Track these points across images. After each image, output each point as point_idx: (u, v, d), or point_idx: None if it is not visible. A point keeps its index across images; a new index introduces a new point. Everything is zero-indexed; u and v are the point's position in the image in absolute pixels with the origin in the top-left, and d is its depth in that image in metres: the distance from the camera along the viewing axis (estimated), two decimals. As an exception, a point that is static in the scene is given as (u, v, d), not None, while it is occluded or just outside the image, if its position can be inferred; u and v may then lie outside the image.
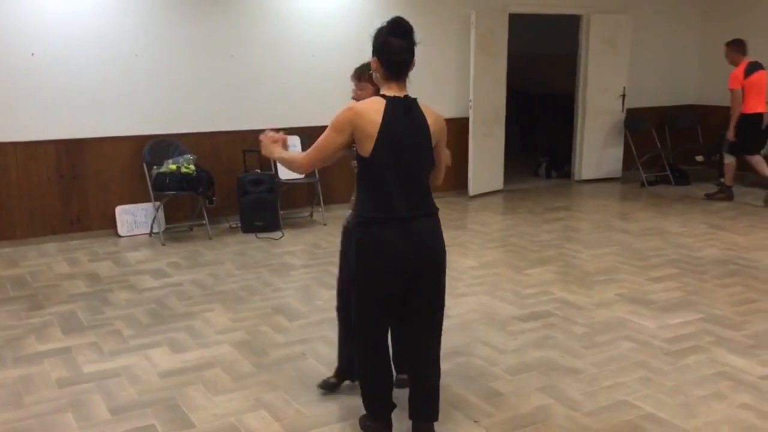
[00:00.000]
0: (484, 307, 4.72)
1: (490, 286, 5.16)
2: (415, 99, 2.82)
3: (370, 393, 3.06)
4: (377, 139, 2.70)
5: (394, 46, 2.74)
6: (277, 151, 3.06)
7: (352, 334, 3.13)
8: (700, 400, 3.44)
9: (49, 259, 5.95)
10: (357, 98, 3.13)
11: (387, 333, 3.00)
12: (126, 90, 6.54)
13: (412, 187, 2.79)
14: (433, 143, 2.83)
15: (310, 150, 2.87)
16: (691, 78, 9.97)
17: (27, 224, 6.32)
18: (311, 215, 7.41)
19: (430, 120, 2.82)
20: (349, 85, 3.30)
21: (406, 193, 2.77)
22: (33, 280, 5.39)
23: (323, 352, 4.02)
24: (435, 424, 3.00)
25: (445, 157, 2.99)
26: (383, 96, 2.77)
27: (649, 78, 9.44)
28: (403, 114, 2.76)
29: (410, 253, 2.78)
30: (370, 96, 2.90)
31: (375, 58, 2.79)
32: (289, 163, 3.00)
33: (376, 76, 2.84)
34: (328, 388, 3.52)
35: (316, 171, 6.89)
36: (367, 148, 2.73)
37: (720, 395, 3.50)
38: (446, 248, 2.92)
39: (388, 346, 3.02)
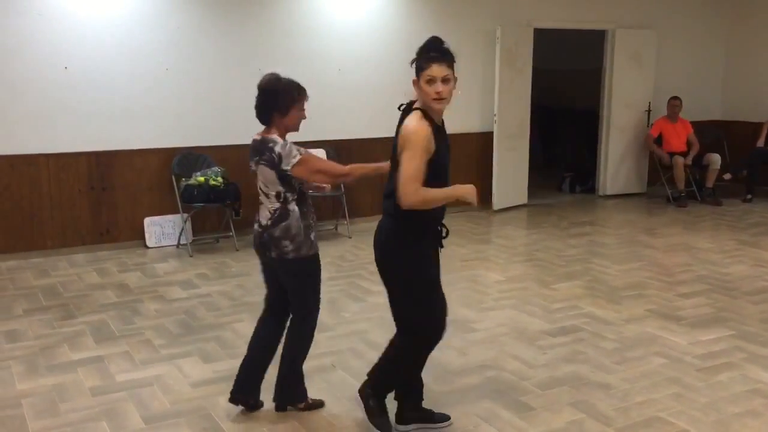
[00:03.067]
0: (513, 321, 4.71)
1: (518, 300, 5.15)
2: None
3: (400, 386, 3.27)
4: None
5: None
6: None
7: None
8: (735, 418, 3.41)
9: (79, 269, 6.02)
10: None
11: None
12: (156, 103, 6.64)
13: None
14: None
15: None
16: (717, 93, 9.92)
17: (58, 235, 6.41)
18: (336, 228, 7.44)
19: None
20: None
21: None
22: (64, 289, 5.46)
23: (353, 364, 4.03)
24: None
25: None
26: (422, 110, 2.83)
27: (675, 93, 9.38)
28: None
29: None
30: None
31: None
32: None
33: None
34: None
35: (342, 184, 6.94)
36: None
37: (755, 413, 3.46)
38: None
39: None
